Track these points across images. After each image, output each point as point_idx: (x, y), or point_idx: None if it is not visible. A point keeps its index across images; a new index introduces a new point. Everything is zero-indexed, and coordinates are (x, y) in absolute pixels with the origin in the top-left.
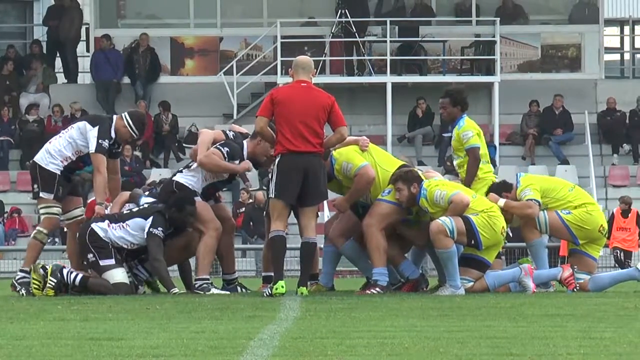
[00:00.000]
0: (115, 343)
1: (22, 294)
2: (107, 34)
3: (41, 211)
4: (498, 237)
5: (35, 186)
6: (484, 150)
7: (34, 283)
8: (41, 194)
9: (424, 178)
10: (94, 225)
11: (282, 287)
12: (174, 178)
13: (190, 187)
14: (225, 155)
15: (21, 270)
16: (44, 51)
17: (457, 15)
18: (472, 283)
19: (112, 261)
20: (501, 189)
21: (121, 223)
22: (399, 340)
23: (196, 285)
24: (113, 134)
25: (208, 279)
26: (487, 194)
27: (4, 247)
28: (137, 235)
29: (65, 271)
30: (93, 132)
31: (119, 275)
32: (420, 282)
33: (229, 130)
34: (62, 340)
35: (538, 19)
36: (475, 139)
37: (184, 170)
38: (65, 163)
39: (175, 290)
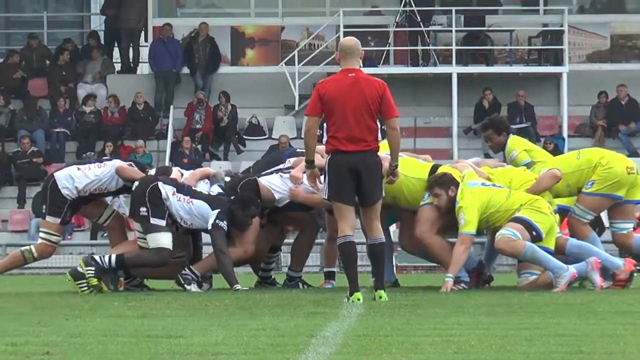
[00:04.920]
0: (173, 340)
1: None
2: (169, 23)
3: (41, 234)
4: (550, 218)
5: (44, 206)
6: (541, 157)
7: (80, 287)
8: (47, 217)
9: (459, 176)
10: (160, 184)
11: (359, 299)
12: (257, 178)
13: (273, 190)
14: None
15: None
16: (102, 42)
17: (524, 4)
18: (535, 276)
19: (162, 222)
20: None
21: (189, 197)
22: (465, 338)
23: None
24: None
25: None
26: None
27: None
28: (197, 218)
29: (97, 257)
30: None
31: (163, 239)
32: (481, 267)
33: None
34: (119, 338)
35: (608, 8)
36: (522, 155)
37: (273, 173)
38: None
39: (238, 286)
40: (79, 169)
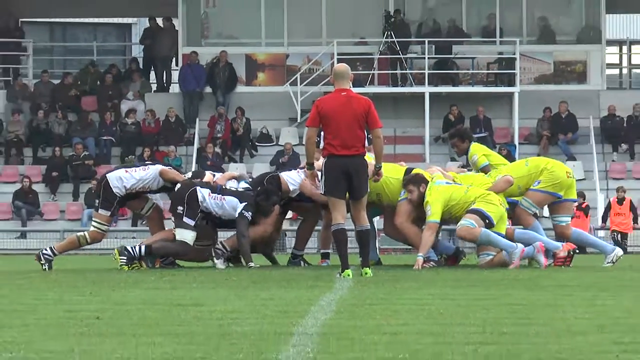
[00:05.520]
0: (198, 308)
1: (45, 268)
2: (195, 51)
3: (93, 224)
4: (500, 209)
5: (97, 201)
6: (497, 161)
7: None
8: (100, 210)
9: (429, 176)
10: (198, 189)
11: (349, 275)
12: (279, 173)
13: (289, 183)
14: None
15: (50, 249)
16: (141, 66)
17: (484, 36)
18: (491, 256)
19: (192, 222)
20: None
21: (221, 195)
22: (435, 307)
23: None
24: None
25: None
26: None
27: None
28: (228, 211)
29: (129, 247)
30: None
31: (188, 235)
32: (458, 254)
33: None
34: (155, 306)
35: (551, 39)
36: (481, 159)
37: (292, 170)
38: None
39: (252, 264)
40: (126, 171)
